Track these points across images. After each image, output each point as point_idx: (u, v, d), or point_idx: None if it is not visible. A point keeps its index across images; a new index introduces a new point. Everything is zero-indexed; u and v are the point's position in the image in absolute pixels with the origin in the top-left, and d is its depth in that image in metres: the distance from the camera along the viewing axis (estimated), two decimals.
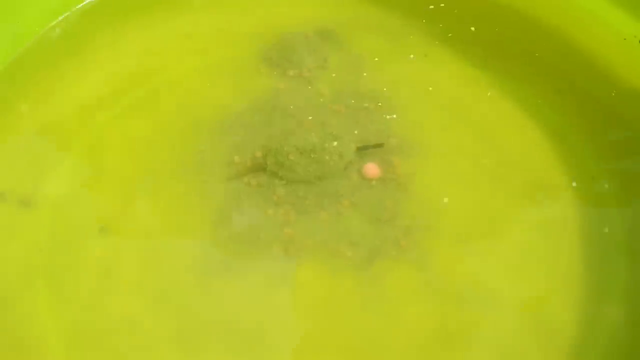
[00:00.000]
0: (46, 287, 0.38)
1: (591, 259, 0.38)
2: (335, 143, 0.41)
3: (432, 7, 0.50)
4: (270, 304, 0.38)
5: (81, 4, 0.50)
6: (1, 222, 0.41)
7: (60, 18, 0.49)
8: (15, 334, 0.37)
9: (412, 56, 0.47)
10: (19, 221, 0.41)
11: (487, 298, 0.38)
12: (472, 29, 0.48)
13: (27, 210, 0.41)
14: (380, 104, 0.45)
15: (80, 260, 0.39)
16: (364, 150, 0.42)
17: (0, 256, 0.40)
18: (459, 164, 0.42)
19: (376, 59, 0.47)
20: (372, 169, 0.41)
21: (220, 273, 0.39)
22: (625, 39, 0.46)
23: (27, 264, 0.39)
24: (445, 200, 0.41)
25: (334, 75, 0.46)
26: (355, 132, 0.43)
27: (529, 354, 0.36)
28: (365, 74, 0.47)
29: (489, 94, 0.45)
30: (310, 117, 0.44)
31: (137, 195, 0.42)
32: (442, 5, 0.50)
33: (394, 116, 0.44)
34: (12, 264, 0.39)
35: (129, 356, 0.37)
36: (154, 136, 0.44)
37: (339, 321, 0.37)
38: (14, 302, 0.38)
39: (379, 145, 0.42)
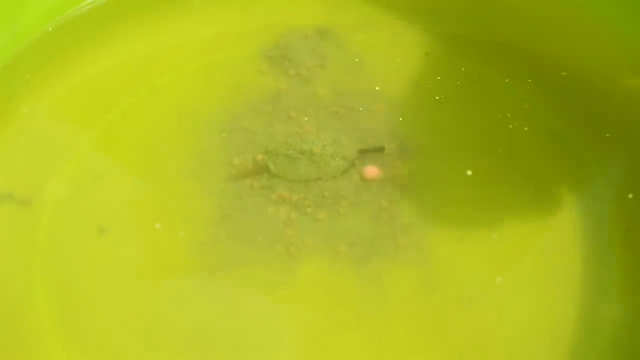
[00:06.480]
0: (46, 287, 0.38)
1: (590, 258, 0.39)
2: (335, 145, 0.41)
3: (432, 6, 0.50)
4: (271, 304, 0.38)
5: (80, 5, 0.50)
6: (1, 222, 0.41)
7: (59, 18, 0.49)
8: (15, 333, 0.37)
9: (412, 56, 0.47)
10: (19, 221, 0.41)
11: (486, 298, 0.38)
12: (477, 27, 0.48)
13: (27, 210, 0.41)
14: (380, 104, 0.45)
15: (80, 260, 0.39)
16: (365, 153, 0.42)
17: (0, 256, 0.40)
18: (459, 165, 0.42)
19: (376, 59, 0.47)
20: (372, 170, 0.41)
21: (220, 273, 0.39)
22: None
23: (27, 264, 0.39)
24: (445, 200, 0.41)
25: (333, 74, 0.46)
26: (356, 132, 0.43)
27: (529, 354, 0.36)
28: (365, 74, 0.46)
29: (489, 94, 0.45)
30: (310, 118, 0.44)
31: (136, 196, 0.42)
32: (443, 4, 0.50)
33: (394, 116, 0.44)
34: (12, 264, 0.39)
35: (128, 356, 0.37)
36: (153, 136, 0.44)
37: (338, 321, 0.37)
38: (14, 302, 0.38)
39: (380, 150, 0.42)
